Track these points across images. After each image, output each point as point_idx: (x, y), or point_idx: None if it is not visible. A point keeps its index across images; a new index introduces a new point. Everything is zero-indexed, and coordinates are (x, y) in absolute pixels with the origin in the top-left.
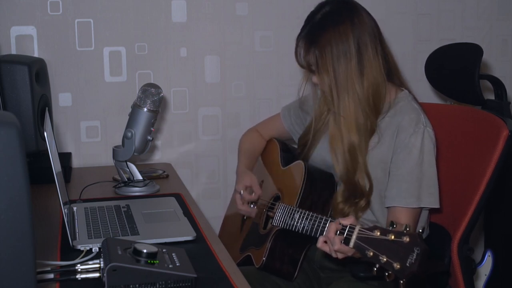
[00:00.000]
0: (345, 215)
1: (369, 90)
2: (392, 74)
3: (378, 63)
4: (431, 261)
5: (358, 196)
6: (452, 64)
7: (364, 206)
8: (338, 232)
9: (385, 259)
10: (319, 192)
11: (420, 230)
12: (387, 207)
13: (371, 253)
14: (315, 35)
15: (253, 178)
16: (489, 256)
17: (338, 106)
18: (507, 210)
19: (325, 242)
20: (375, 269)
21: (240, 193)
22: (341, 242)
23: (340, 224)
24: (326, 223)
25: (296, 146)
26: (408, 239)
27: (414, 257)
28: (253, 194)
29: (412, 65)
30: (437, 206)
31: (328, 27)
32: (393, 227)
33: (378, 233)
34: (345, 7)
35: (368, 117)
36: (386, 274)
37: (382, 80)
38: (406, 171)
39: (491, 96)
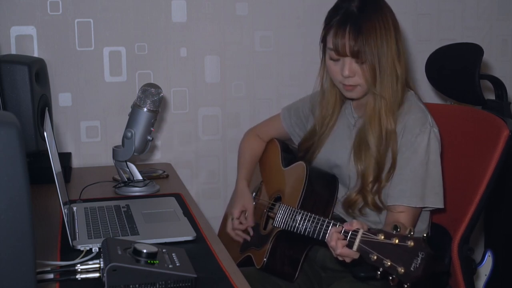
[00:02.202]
0: (351, 200)
1: (404, 74)
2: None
3: (405, 57)
4: (435, 263)
5: (374, 181)
6: (452, 64)
7: (374, 192)
8: (342, 236)
9: (389, 263)
10: (321, 194)
11: (425, 235)
12: (388, 206)
13: (375, 257)
14: (360, 22)
15: (249, 203)
16: (489, 256)
17: (381, 89)
18: (507, 210)
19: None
20: (379, 272)
21: (232, 218)
22: (344, 246)
23: (343, 229)
24: (329, 226)
25: (296, 146)
26: (412, 244)
27: (419, 261)
28: (244, 222)
29: (412, 65)
30: (441, 206)
31: (371, 13)
32: (397, 230)
33: (382, 237)
34: (380, 1)
35: (400, 98)
36: (390, 278)
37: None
38: (410, 170)
39: (492, 96)
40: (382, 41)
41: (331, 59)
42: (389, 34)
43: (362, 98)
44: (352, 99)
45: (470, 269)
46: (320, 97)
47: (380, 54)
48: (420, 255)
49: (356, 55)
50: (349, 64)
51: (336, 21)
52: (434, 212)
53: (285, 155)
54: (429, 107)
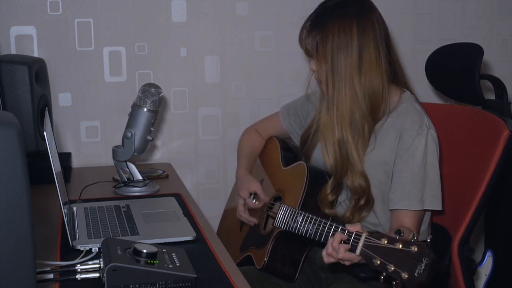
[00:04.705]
0: (347, 218)
1: (365, 89)
2: (397, 77)
3: (379, 67)
4: (438, 267)
5: (360, 195)
6: (452, 64)
7: (364, 205)
8: (343, 241)
9: (392, 268)
10: None
11: (429, 240)
12: (391, 210)
13: (378, 262)
14: (321, 20)
15: (258, 184)
16: (489, 256)
17: (333, 95)
18: (507, 210)
19: (330, 255)
20: (382, 277)
21: (244, 199)
22: (346, 250)
23: (346, 231)
24: (331, 228)
25: (295, 145)
26: (416, 249)
27: (423, 267)
28: (257, 202)
29: (412, 65)
30: (439, 208)
31: (335, 16)
32: (400, 235)
33: (386, 242)
34: (358, 2)
35: (365, 119)
36: (394, 283)
37: (380, 84)
38: (409, 173)
39: (492, 96)
40: (340, 47)
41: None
42: (350, 43)
43: None
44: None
45: (470, 269)
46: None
47: (334, 58)
48: (424, 261)
49: (306, 50)
50: (312, 60)
51: (312, 13)
52: (435, 212)
53: (285, 154)
54: (429, 107)
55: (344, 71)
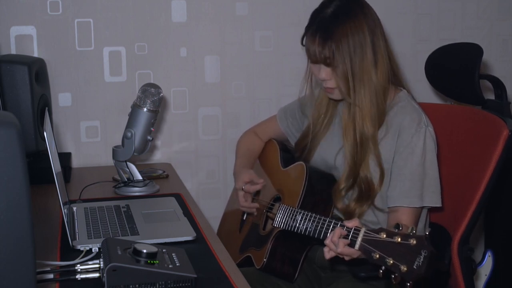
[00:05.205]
0: (350, 210)
1: (382, 81)
2: (393, 74)
3: (386, 57)
4: (437, 261)
5: (367, 188)
6: (452, 64)
7: (370, 198)
8: (342, 236)
9: (391, 262)
10: (320, 194)
11: (427, 233)
12: (389, 207)
13: (377, 256)
14: (330, 28)
15: (251, 172)
16: (489, 256)
17: (354, 97)
18: (507, 210)
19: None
20: (381, 271)
21: (241, 189)
22: (346, 245)
23: (344, 227)
24: (330, 225)
25: (294, 147)
26: (415, 242)
27: (422, 259)
28: (256, 185)
29: (412, 65)
30: (439, 204)
31: (342, 20)
32: (399, 229)
33: (384, 236)
34: (355, 2)
35: (383, 105)
36: (393, 276)
37: (388, 70)
38: (408, 171)
39: (491, 96)
40: (355, 48)
41: (311, 61)
42: (364, 41)
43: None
44: (335, 100)
45: (470, 269)
46: (312, 96)
47: (352, 61)
48: (423, 253)
49: (325, 61)
50: (323, 69)
51: (309, 26)
52: (434, 211)
53: (284, 155)
54: (429, 107)
55: (361, 71)
